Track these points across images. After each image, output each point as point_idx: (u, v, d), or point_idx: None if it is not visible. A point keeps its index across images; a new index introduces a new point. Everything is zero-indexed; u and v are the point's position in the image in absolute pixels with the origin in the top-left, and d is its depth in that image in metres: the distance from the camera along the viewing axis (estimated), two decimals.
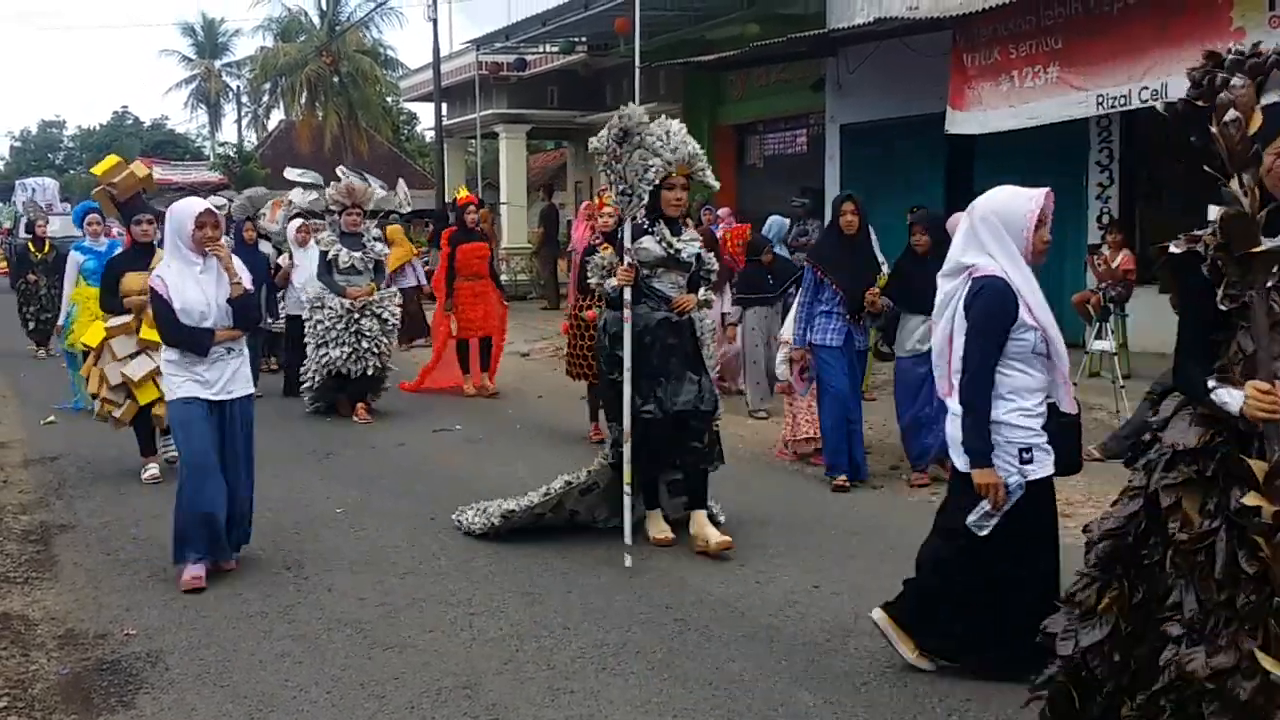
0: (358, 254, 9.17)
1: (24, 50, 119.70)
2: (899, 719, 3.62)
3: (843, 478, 6.76)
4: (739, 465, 7.28)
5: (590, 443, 7.83)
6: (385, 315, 9.26)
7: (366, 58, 37.40)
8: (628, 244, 5.33)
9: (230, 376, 5.05)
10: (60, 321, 9.46)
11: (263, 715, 3.70)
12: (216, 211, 4.97)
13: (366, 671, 4.03)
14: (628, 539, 5.26)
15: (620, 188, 5.31)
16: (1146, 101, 9.38)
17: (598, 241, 7.20)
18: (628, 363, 5.22)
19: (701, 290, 5.74)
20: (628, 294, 5.28)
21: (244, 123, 47.88)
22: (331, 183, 10.14)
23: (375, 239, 9.44)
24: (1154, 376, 7.16)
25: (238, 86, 48.74)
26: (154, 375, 6.53)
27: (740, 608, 4.64)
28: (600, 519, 5.80)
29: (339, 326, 9.01)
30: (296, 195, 12.11)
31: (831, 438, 6.81)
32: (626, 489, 5.28)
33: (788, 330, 7.35)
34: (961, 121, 11.41)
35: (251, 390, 5.18)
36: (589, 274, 6.50)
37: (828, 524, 5.94)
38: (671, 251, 5.47)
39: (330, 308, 9.05)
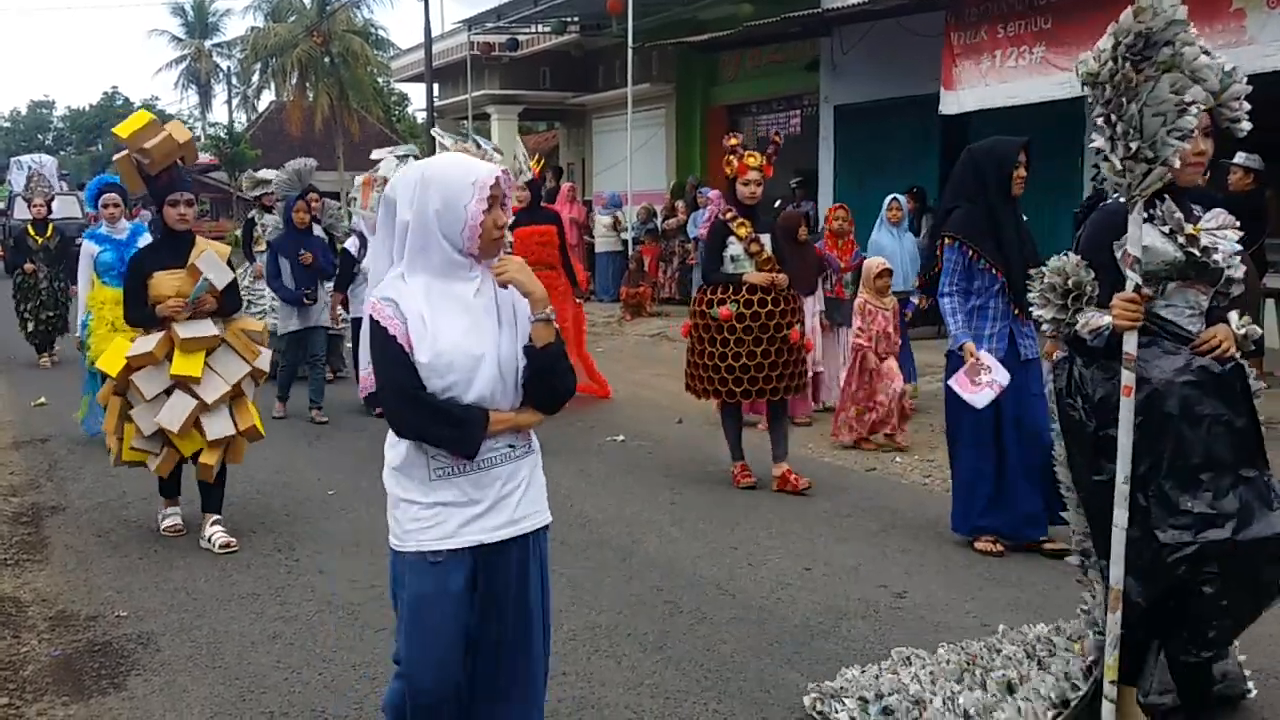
0: None
1: (13, 30, 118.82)
2: None
3: (991, 540, 5.04)
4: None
5: (737, 486, 6.29)
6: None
7: (357, 37, 37.22)
8: (1130, 245, 3.04)
9: (519, 493, 2.64)
10: (78, 334, 7.53)
11: (255, 696, 3.70)
12: (510, 177, 2.65)
13: (359, 653, 4.03)
14: None
15: (1125, 143, 2.98)
16: None
17: (728, 217, 6.07)
18: (1125, 456, 3.02)
19: (1235, 319, 3.25)
20: (1130, 342, 3.04)
21: (234, 103, 47.65)
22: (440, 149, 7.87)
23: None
24: None
25: (228, 67, 48.52)
26: (198, 415, 5.11)
27: (731, 590, 4.64)
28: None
29: None
30: (387, 168, 9.74)
31: (979, 487, 5.06)
32: (1107, 687, 3.09)
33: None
34: (950, 101, 11.41)
35: (548, 514, 2.76)
36: (720, 264, 6.00)
37: (819, 506, 5.95)
38: (1192, 251, 3.13)
39: None
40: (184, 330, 5.08)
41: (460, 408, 2.50)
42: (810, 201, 14.44)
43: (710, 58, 17.73)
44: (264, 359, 5.33)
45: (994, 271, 4.89)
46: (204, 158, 39.32)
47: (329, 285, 8.62)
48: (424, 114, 26.31)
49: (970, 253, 4.91)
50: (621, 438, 7.64)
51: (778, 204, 14.88)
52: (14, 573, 5.01)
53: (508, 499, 2.60)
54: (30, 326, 11.41)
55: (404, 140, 40.18)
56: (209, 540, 5.24)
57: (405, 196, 2.52)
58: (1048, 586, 4.63)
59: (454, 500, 2.55)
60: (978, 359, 4.84)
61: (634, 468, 6.87)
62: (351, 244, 8.57)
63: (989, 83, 10.81)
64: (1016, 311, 4.90)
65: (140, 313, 5.14)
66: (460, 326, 2.51)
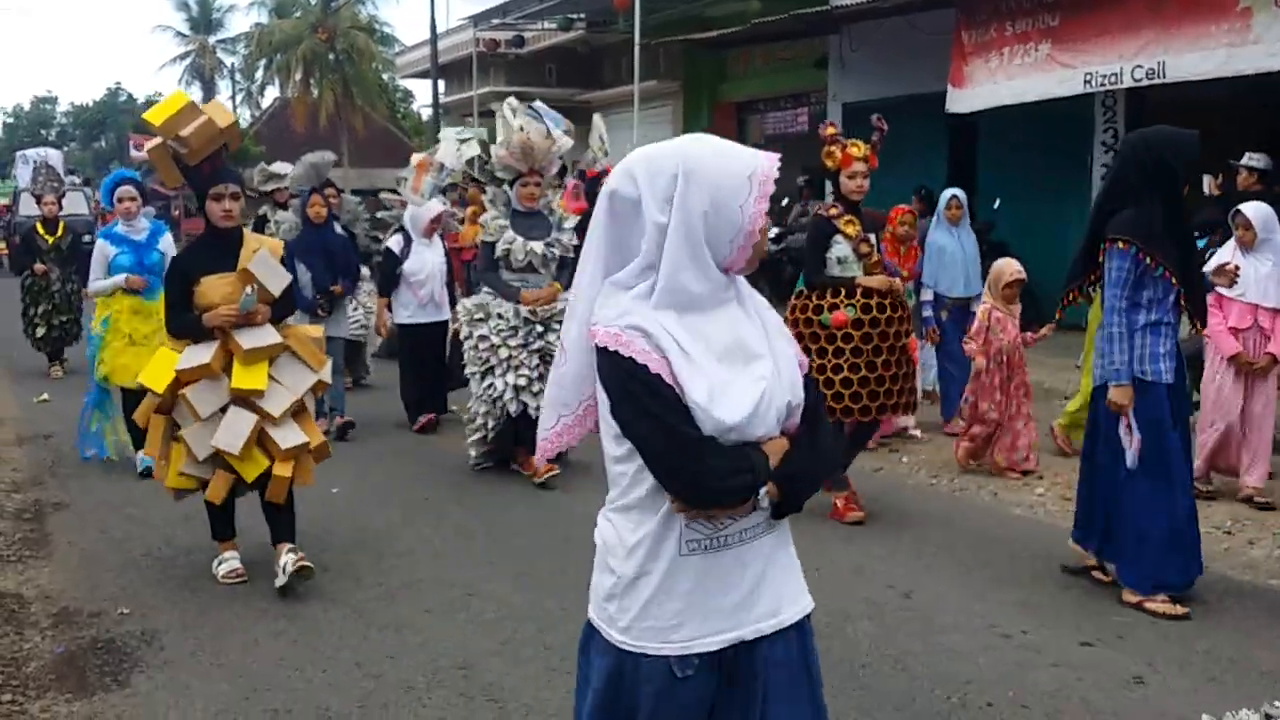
0: (538, 244, 6.28)
1: (16, 25, 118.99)
2: (897, 702, 3.60)
3: (1171, 602, 4.38)
4: None
5: (842, 521, 5.52)
6: None
7: (362, 34, 37.16)
8: None
9: (781, 572, 2.10)
10: (87, 350, 6.89)
11: (258, 694, 3.68)
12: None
13: (362, 651, 4.01)
14: None
15: None
16: (1139, 80, 9.33)
17: (833, 214, 5.47)
18: None
19: None
20: None
21: (238, 100, 47.66)
22: (499, 140, 6.50)
23: (563, 221, 6.54)
24: None
25: (232, 63, 48.58)
26: (260, 433, 4.53)
27: None
28: None
29: (513, 344, 6.26)
30: (448, 153, 8.53)
31: (1167, 542, 4.38)
32: None
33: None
34: (956, 100, 11.37)
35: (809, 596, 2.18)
36: (824, 266, 5.38)
37: (825, 506, 5.91)
38: None
39: (501, 317, 6.30)
40: (246, 339, 4.48)
41: (752, 450, 1.93)
42: (817, 201, 14.40)
43: (717, 55, 17.69)
44: (327, 368, 4.80)
45: (1171, 280, 4.27)
46: None
47: (365, 289, 8.11)
48: (429, 111, 26.30)
49: (1147, 259, 4.25)
50: None
51: (785, 202, 14.87)
52: (17, 569, 4.99)
53: (769, 580, 2.03)
54: (41, 332, 10.45)
55: (409, 138, 40.20)
56: (283, 570, 4.50)
57: (656, 192, 1.92)
58: (1057, 589, 4.60)
59: (707, 583, 1.96)
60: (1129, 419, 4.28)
61: None
62: (395, 242, 7.87)
63: (997, 81, 10.78)
64: (1197, 326, 4.37)
65: (184, 322, 4.51)
66: (731, 355, 1.96)
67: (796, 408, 2.01)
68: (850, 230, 5.40)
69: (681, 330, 1.93)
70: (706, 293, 1.94)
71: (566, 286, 6.29)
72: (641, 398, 1.90)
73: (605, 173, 7.48)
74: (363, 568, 4.92)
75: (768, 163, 1.95)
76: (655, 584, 1.95)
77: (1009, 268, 6.56)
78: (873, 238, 5.49)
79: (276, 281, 4.56)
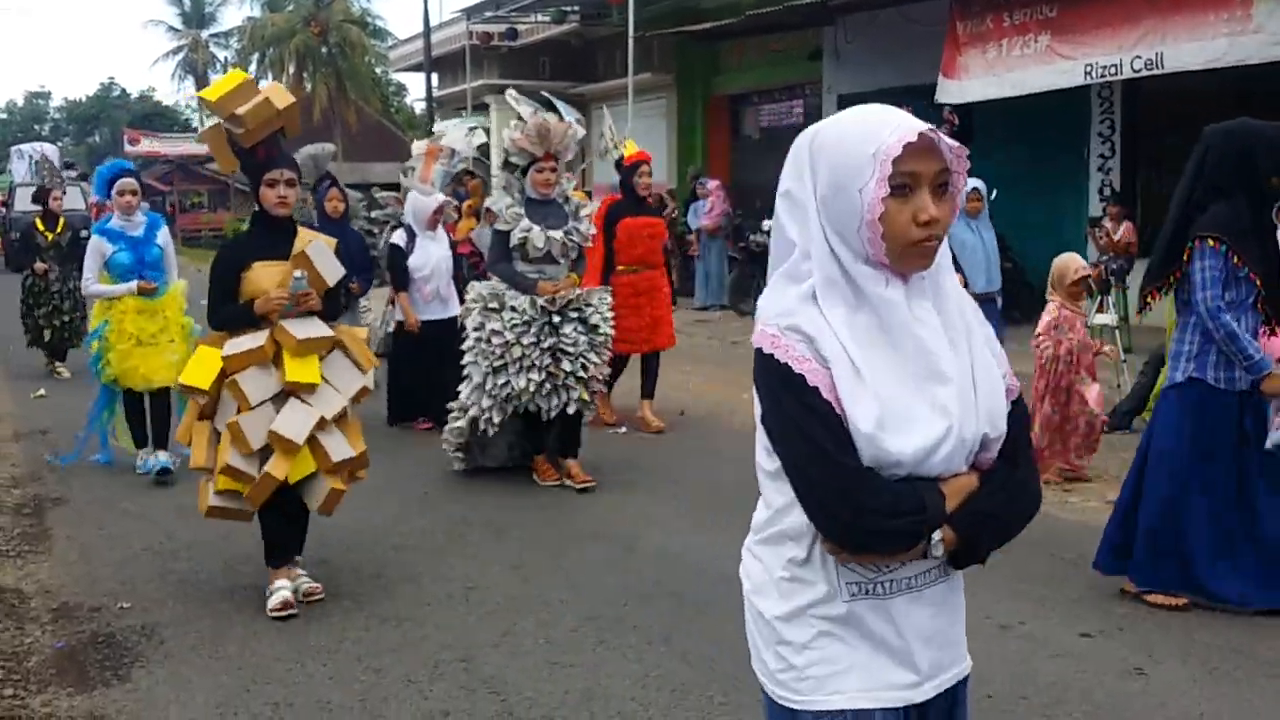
0: (556, 233, 5.93)
1: (8, 20, 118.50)
2: None
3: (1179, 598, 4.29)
4: (732, 442, 7.27)
5: None
6: (596, 321, 6.05)
7: (355, 27, 37.09)
8: None
9: (948, 628, 1.79)
10: (89, 353, 6.51)
11: (258, 687, 3.68)
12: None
13: (363, 644, 4.01)
14: None
15: None
16: (1139, 71, 9.32)
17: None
18: None
19: None
20: None
21: None
22: (514, 123, 6.04)
23: (579, 209, 6.16)
24: (1154, 349, 7.16)
25: (225, 57, 48.38)
26: (317, 433, 4.22)
27: (737, 581, 4.60)
28: None
29: (526, 340, 5.82)
30: (456, 138, 8.11)
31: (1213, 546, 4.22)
32: None
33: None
34: (948, 90, 11.35)
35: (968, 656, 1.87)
36: None
37: None
38: None
39: (515, 310, 5.84)
40: (299, 329, 4.20)
41: (925, 488, 1.63)
42: None
43: (711, 47, 17.66)
44: (372, 374, 4.51)
45: (1255, 281, 4.11)
46: (202, 149, 39.19)
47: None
48: (422, 104, 26.25)
49: (1235, 258, 4.08)
50: (624, 429, 7.61)
51: None
52: (16, 564, 4.99)
53: (936, 636, 1.72)
54: (47, 335, 10.03)
55: (402, 131, 40.10)
56: (271, 592, 4.32)
57: (796, 170, 1.69)
58: (1056, 580, 4.62)
59: (872, 635, 1.68)
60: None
61: (636, 460, 6.84)
62: (399, 236, 7.58)
63: (996, 72, 10.77)
64: (1275, 329, 4.18)
65: (231, 314, 4.24)
66: (907, 370, 1.62)
67: (995, 440, 1.68)
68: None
69: (851, 336, 1.62)
70: (872, 291, 1.62)
71: (582, 278, 6.17)
72: (793, 412, 1.62)
73: (643, 161, 7.38)
74: (362, 561, 4.92)
75: (897, 134, 1.56)
76: (811, 631, 1.69)
77: (1073, 264, 6.17)
78: None
79: (331, 272, 4.32)
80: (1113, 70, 9.59)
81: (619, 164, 7.37)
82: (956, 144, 1.62)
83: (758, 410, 1.70)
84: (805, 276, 1.66)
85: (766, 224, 13.93)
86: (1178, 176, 4.38)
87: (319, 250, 4.29)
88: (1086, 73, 9.81)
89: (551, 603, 4.40)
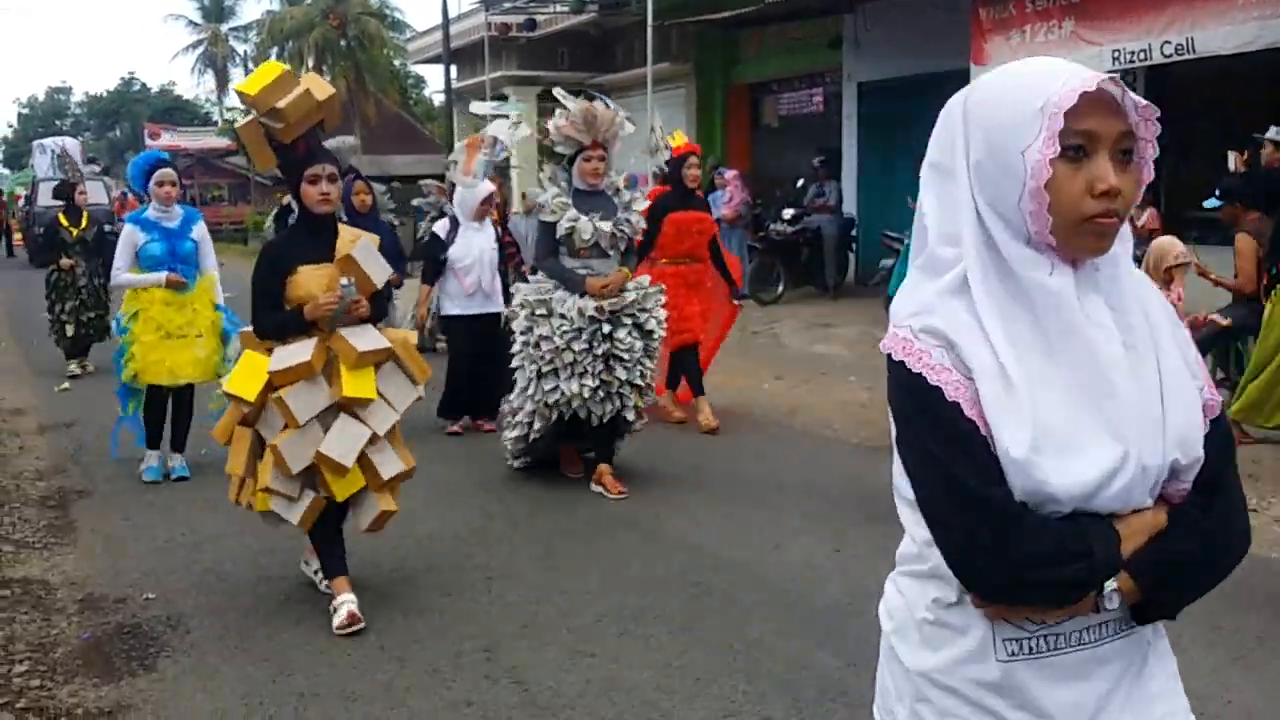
0: (606, 224, 5.63)
1: (30, 16, 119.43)
2: None
3: None
4: (754, 433, 7.26)
5: None
6: (649, 324, 5.74)
7: (373, 19, 37.15)
8: None
9: (1139, 686, 1.41)
10: (116, 336, 6.33)
11: (284, 678, 3.70)
12: None
13: (386, 634, 4.02)
14: None
15: None
16: (1169, 56, 9.20)
17: None
18: None
19: None
20: None
21: None
22: (559, 111, 5.78)
23: (630, 201, 5.87)
24: None
25: (245, 51, 48.61)
26: (367, 449, 4.04)
27: (759, 572, 4.61)
28: None
29: (577, 347, 5.55)
30: (500, 127, 7.70)
31: None
32: None
33: None
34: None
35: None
36: None
37: (846, 487, 5.90)
38: None
39: (564, 317, 5.57)
40: (359, 341, 4.00)
41: (1094, 528, 1.32)
42: (833, 181, 14.34)
43: (730, 36, 17.58)
44: (422, 385, 4.32)
45: None
46: (221, 142, 39.43)
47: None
48: (441, 96, 26.27)
49: None
50: (645, 419, 7.58)
51: (801, 183, 14.80)
52: (42, 556, 5.03)
53: (1125, 703, 1.39)
54: (71, 331, 9.80)
55: (421, 123, 40.16)
56: (335, 613, 4.07)
57: (943, 137, 1.41)
58: None
59: (1039, 701, 1.36)
60: None
61: (658, 449, 6.83)
62: (441, 227, 7.30)
63: (1020, 58, 10.63)
64: None
65: (277, 321, 4.04)
66: (1073, 381, 1.32)
67: (1188, 468, 1.36)
68: None
69: (1004, 337, 1.32)
70: (1032, 280, 1.32)
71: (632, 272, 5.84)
72: (927, 434, 1.34)
73: (692, 153, 7.21)
74: (383, 552, 4.93)
75: (1070, 85, 1.30)
76: (957, 700, 1.39)
77: (1172, 249, 5.89)
78: None
79: (379, 272, 4.12)
80: (1141, 55, 9.46)
81: (668, 160, 7.15)
82: (1145, 102, 1.34)
83: (892, 428, 1.43)
84: (947, 266, 1.38)
85: (787, 213, 13.91)
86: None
87: (364, 251, 4.09)
88: (1114, 58, 9.68)
89: (573, 593, 4.41)
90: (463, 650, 3.88)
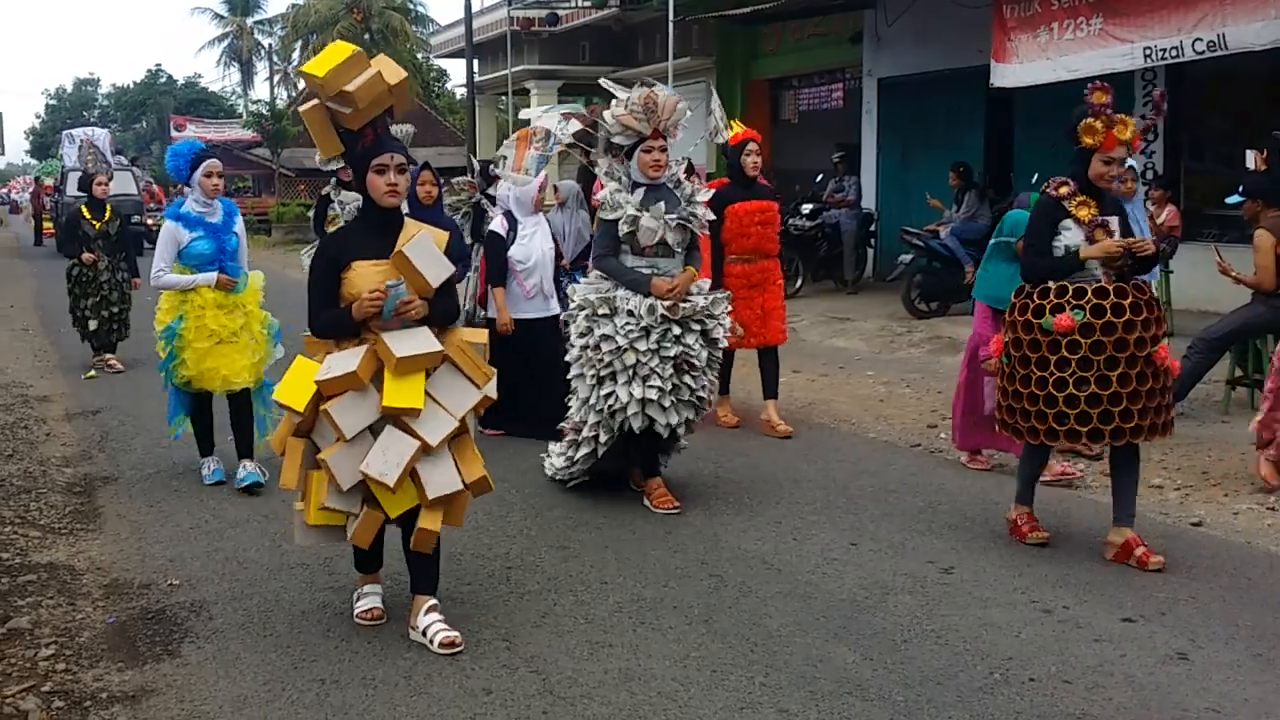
0: (671, 216, 5.22)
1: (59, 7, 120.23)
2: (938, 676, 3.60)
3: None
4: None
5: (1021, 541, 4.82)
6: (714, 331, 5.32)
7: (397, 14, 37.31)
8: None
9: None
10: (163, 351, 5.80)
11: (306, 665, 3.74)
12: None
13: (407, 623, 4.05)
14: None
15: None
16: (1201, 53, 9.10)
17: (1063, 192, 4.54)
18: None
19: None
20: None
21: (275, 80, 47.98)
22: (615, 101, 5.31)
23: (695, 196, 5.37)
24: (1198, 333, 7.06)
25: (270, 44, 48.86)
26: (417, 464, 3.74)
27: (777, 564, 4.63)
28: None
29: (642, 348, 5.12)
30: (550, 120, 7.51)
31: None
32: None
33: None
34: (1003, 75, 11.19)
35: None
36: (1049, 255, 4.46)
37: (863, 481, 5.91)
38: None
39: (631, 314, 5.15)
40: (399, 345, 3.68)
41: None
42: (852, 176, 14.31)
43: (751, 31, 17.57)
44: (493, 383, 3.95)
45: None
46: (247, 134, 39.68)
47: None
48: (464, 90, 26.33)
49: None
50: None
51: (820, 178, 14.78)
52: (68, 541, 5.10)
53: None
54: (93, 326, 9.63)
55: (442, 117, 40.23)
56: (424, 634, 3.84)
57: None
58: (1098, 564, 4.58)
59: None
60: None
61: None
62: (499, 224, 6.93)
63: (1049, 56, 10.54)
64: None
65: (331, 320, 3.78)
66: None
67: None
68: (1083, 214, 4.46)
69: None
70: None
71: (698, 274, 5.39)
72: None
73: (751, 140, 6.80)
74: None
75: None
76: None
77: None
78: (1114, 222, 4.50)
79: (436, 271, 3.75)
80: (1173, 52, 9.35)
81: (724, 146, 6.76)
82: None
83: None
84: None
85: (806, 208, 13.90)
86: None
87: (419, 247, 3.72)
88: (1146, 55, 9.58)
89: (592, 583, 4.44)
90: (482, 639, 3.91)
